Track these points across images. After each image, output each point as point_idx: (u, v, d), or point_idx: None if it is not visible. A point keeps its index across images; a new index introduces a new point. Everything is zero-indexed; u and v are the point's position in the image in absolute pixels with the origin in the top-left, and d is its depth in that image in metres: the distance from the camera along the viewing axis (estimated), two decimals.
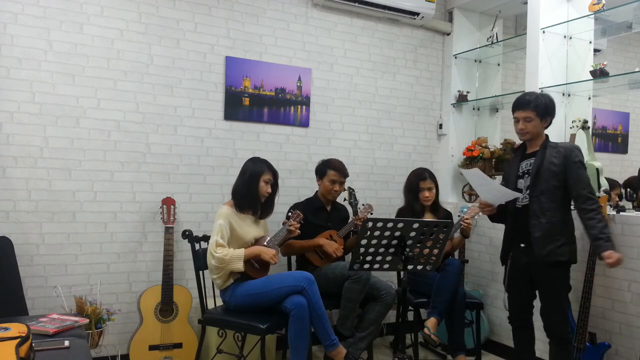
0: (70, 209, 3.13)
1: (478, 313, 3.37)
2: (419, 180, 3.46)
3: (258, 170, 2.98)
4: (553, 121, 2.73)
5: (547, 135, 2.74)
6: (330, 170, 3.38)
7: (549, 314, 2.64)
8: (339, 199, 3.58)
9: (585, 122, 3.07)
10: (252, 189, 2.97)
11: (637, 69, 3.25)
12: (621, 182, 3.57)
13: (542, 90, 3.42)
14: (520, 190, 2.72)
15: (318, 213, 3.42)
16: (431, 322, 3.12)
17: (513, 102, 2.74)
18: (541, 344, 2.70)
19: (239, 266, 2.81)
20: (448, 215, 3.57)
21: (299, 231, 3.09)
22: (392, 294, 3.17)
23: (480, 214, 3.35)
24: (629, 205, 3.15)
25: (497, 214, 2.84)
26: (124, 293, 3.27)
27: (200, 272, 2.96)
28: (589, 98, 3.64)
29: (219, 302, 3.03)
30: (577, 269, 2.70)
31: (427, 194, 3.44)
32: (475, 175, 2.75)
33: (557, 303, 2.62)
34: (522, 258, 2.73)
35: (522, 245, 2.71)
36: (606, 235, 2.47)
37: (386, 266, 2.53)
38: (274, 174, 3.05)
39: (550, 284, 2.63)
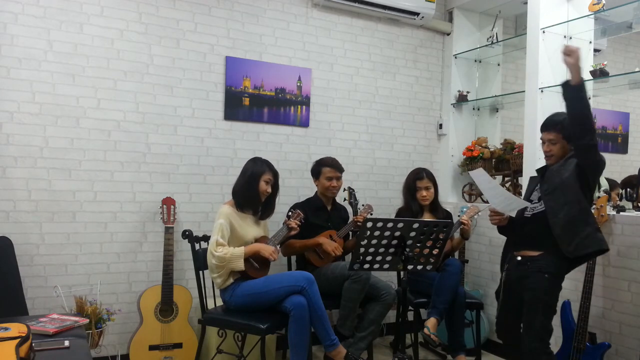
0: (70, 209, 3.13)
1: (478, 313, 3.37)
2: (416, 180, 3.45)
3: (259, 170, 2.99)
4: None
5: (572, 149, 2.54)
6: (325, 167, 3.38)
7: (525, 332, 2.46)
8: (339, 199, 3.58)
9: None
10: (253, 189, 2.97)
11: (637, 69, 3.26)
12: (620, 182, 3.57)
13: (542, 91, 3.42)
14: (531, 201, 2.59)
15: (318, 213, 3.42)
16: (431, 322, 3.12)
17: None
18: None
19: (240, 264, 2.81)
20: (448, 215, 3.56)
21: (298, 229, 3.10)
22: (392, 294, 3.17)
23: (480, 213, 3.36)
24: (628, 205, 3.15)
25: (507, 226, 2.68)
26: (124, 293, 3.27)
27: (200, 272, 2.96)
28: (589, 98, 3.63)
29: (219, 302, 3.03)
30: (577, 269, 2.69)
31: (424, 193, 3.43)
32: (480, 176, 2.55)
33: (535, 321, 2.43)
34: (515, 272, 2.59)
35: (519, 258, 2.57)
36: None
37: (386, 266, 2.53)
38: (275, 174, 3.05)
39: (532, 296, 2.46)
